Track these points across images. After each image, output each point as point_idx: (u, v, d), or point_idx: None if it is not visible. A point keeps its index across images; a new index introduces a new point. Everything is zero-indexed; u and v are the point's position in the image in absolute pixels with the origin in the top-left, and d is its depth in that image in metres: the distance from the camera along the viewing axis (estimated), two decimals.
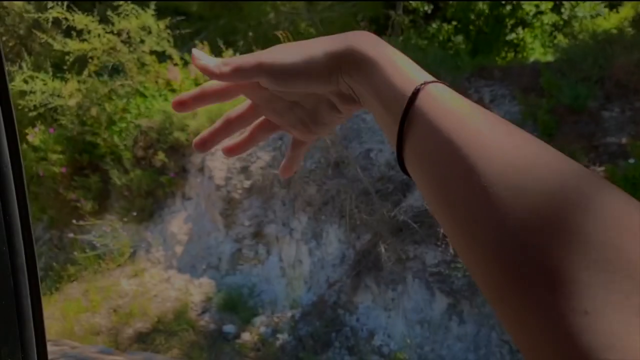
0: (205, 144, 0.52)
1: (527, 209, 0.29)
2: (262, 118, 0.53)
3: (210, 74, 0.46)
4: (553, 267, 0.27)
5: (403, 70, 0.41)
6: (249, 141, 0.54)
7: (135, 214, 5.85)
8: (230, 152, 0.54)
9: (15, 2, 7.66)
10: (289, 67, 0.44)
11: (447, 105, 0.38)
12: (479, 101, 4.77)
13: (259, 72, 0.44)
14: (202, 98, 0.50)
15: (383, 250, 4.13)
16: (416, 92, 0.39)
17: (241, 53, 6.35)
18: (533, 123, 4.23)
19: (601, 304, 0.26)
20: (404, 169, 0.41)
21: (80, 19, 5.33)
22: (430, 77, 0.41)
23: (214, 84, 0.49)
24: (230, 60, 0.46)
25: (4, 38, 8.55)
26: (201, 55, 0.47)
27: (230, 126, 0.52)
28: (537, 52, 7.38)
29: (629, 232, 0.27)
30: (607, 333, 0.25)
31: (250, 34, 7.70)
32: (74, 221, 5.89)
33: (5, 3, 7.78)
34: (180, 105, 0.49)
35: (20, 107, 5.76)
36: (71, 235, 5.98)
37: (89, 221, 5.88)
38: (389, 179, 4.44)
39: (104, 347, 4.20)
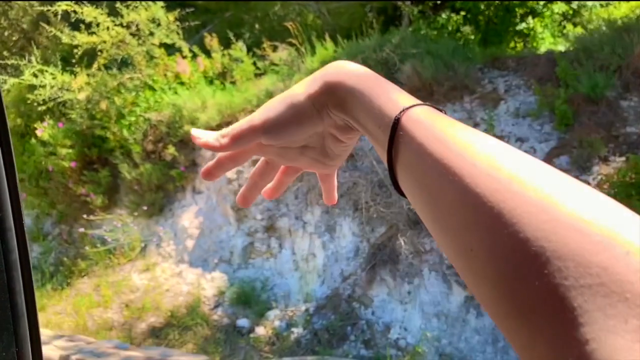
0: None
1: (518, 236, 0.29)
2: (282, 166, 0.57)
3: (212, 149, 0.49)
4: (550, 294, 0.27)
5: (383, 97, 0.42)
6: (279, 187, 0.58)
7: (145, 208, 5.82)
8: (269, 197, 0.58)
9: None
10: (279, 121, 0.46)
11: (430, 129, 0.38)
12: (494, 91, 4.72)
13: (254, 134, 0.47)
14: (221, 166, 0.53)
15: (400, 243, 4.10)
16: (397, 121, 0.39)
17: (248, 46, 6.30)
18: (549, 113, 4.18)
19: (601, 331, 0.26)
20: (400, 192, 0.42)
21: (89, 12, 5.28)
22: (410, 101, 0.41)
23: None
24: (227, 131, 0.48)
25: (6, 32, 8.51)
26: (200, 133, 0.50)
27: (257, 184, 0.57)
28: (547, 42, 7.31)
29: (619, 253, 0.27)
30: None
31: (257, 26, 7.65)
32: (85, 216, 5.86)
33: None
34: (208, 174, 0.53)
35: (29, 102, 5.73)
36: (81, 230, 5.96)
37: (99, 216, 5.86)
38: None
39: (119, 342, 4.18)
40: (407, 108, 0.39)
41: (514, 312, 0.29)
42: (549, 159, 3.83)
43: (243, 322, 4.63)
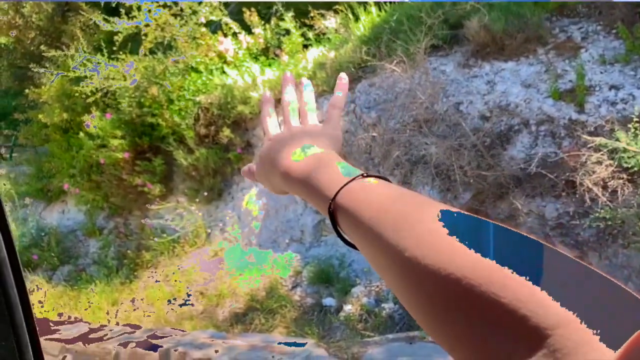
0: None
1: (436, 298, 0.34)
2: None
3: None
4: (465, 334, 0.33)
5: (319, 188, 0.48)
6: None
7: (205, 194, 5.69)
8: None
9: None
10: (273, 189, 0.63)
11: (356, 208, 0.43)
12: (569, 40, 4.48)
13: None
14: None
15: (489, 209, 3.95)
16: (330, 210, 0.46)
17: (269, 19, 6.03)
18: None
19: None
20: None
21: None
22: (345, 178, 0.47)
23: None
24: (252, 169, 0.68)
25: (22, 30, 8.31)
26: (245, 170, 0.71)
27: None
28: None
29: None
30: None
31: None
32: (147, 206, 5.76)
33: None
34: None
35: (75, 94, 5.56)
36: (144, 221, 5.86)
37: (160, 205, 5.75)
38: (485, 131, 4.22)
39: (214, 332, 4.10)
40: (335, 194, 0.45)
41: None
42: None
43: (329, 300, 4.54)
